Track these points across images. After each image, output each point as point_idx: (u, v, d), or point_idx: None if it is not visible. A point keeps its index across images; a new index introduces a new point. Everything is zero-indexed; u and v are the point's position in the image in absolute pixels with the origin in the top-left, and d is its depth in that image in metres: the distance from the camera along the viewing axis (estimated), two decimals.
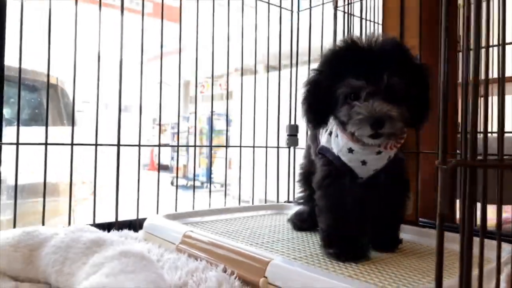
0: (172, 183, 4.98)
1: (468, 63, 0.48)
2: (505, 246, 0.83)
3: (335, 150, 0.91)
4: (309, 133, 1.13)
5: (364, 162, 0.88)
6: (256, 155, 1.49)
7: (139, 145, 1.15)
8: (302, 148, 1.54)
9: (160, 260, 0.88)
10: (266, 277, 0.73)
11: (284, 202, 1.50)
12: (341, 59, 0.83)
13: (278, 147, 1.51)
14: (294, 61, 1.56)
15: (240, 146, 1.41)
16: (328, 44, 1.57)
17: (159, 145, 1.22)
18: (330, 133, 0.93)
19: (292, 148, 1.53)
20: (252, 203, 1.46)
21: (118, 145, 1.11)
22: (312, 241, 1.01)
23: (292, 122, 1.54)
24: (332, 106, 0.85)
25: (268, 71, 1.52)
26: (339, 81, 0.81)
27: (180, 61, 1.28)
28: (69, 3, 1.18)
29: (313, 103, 0.88)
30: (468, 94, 0.46)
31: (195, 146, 1.33)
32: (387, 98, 0.78)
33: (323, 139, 0.97)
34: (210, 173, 1.54)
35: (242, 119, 1.42)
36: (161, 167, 1.29)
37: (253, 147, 1.43)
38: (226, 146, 1.40)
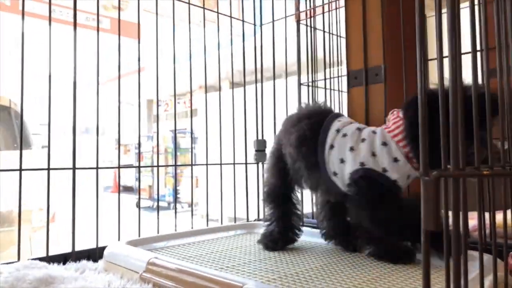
0: (137, 205, 4.80)
1: (444, 72, 0.46)
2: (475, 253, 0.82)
3: (394, 176, 0.87)
4: (290, 151, 1.02)
5: (408, 176, 0.89)
6: (224, 172, 1.43)
7: (97, 168, 1.07)
8: None
9: None
10: None
11: (254, 220, 1.45)
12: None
13: (246, 163, 1.46)
14: (259, 76, 1.53)
15: (207, 164, 1.35)
16: (291, 58, 1.56)
17: (119, 167, 1.15)
18: (395, 160, 0.87)
19: (260, 164, 1.49)
20: (221, 222, 1.40)
21: (74, 168, 1.03)
22: (284, 260, 0.96)
23: (260, 137, 1.50)
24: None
25: (233, 87, 1.48)
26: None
27: (140, 80, 1.22)
28: (17, 18, 1.10)
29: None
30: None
31: (158, 166, 1.26)
32: None
33: (363, 157, 0.89)
34: (176, 194, 1.46)
35: (207, 136, 1.37)
36: (125, 189, 1.22)
37: (220, 164, 1.38)
38: (192, 165, 1.34)
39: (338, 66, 1.50)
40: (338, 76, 1.44)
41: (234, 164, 1.42)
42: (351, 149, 0.91)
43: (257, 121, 1.48)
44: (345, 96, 1.50)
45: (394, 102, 1.17)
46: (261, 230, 1.32)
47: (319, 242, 1.13)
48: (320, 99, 1.54)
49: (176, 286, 0.79)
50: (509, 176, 0.39)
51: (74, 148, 1.06)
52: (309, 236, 1.17)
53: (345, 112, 1.42)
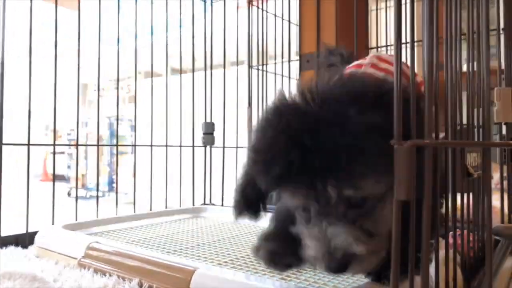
0: (69, 194, 4.54)
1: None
2: None
3: None
4: None
5: None
6: (170, 156, 1.37)
7: (28, 144, 0.96)
8: (218, 147, 1.46)
9: (58, 279, 0.73)
10: None
11: (201, 205, 1.40)
12: (273, 147, 0.48)
13: (193, 146, 1.40)
14: (208, 56, 1.48)
15: (151, 146, 1.28)
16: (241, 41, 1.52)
17: (54, 145, 1.04)
18: None
19: (208, 147, 1.44)
20: (166, 207, 1.34)
21: (0, 144, 0.91)
22: (235, 243, 0.93)
23: (208, 120, 1.45)
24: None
25: (181, 71, 1.41)
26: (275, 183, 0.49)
27: (79, 61, 1.11)
28: None
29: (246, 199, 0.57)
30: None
31: (98, 145, 1.16)
32: (351, 211, 0.48)
33: None
34: (117, 178, 1.36)
35: (152, 116, 1.30)
36: (56, 177, 1.10)
37: (166, 146, 1.31)
38: (135, 145, 1.26)
39: (288, 51, 1.49)
40: (289, 61, 1.42)
41: (180, 146, 1.36)
42: None
43: (206, 103, 1.42)
44: (293, 83, 1.49)
45: None
46: (208, 214, 1.28)
47: None
48: (270, 84, 1.52)
49: (120, 272, 0.73)
50: (481, 145, 0.38)
51: (0, 123, 0.94)
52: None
53: None
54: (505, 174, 0.96)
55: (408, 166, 0.41)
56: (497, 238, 0.96)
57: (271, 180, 0.48)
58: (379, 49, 1.24)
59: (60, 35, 1.10)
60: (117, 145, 1.19)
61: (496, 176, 1.45)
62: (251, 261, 0.79)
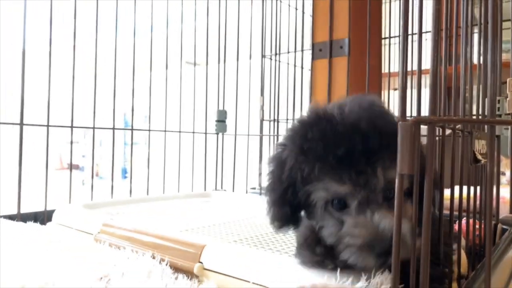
0: (83, 183, 4.63)
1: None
2: None
3: None
4: None
5: None
6: (182, 143, 1.40)
7: (47, 125, 1.00)
8: (230, 134, 1.48)
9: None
10: (201, 263, 0.66)
11: (212, 190, 1.43)
12: (306, 154, 0.52)
13: (206, 133, 1.43)
14: (222, 46, 1.50)
15: (165, 131, 1.31)
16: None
17: (72, 127, 1.08)
18: None
19: (220, 135, 1.46)
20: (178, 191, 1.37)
21: (21, 124, 0.95)
22: (244, 225, 0.96)
23: (221, 108, 1.47)
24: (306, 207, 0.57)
25: (195, 62, 1.44)
26: (312, 179, 0.52)
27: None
28: None
29: (279, 199, 0.57)
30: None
31: (113, 128, 1.20)
32: (387, 197, 0.51)
33: None
34: (131, 156, 1.36)
35: (167, 102, 1.33)
36: (72, 167, 1.14)
37: (179, 132, 1.34)
38: (149, 130, 1.29)
39: (302, 41, 1.50)
40: (302, 50, 1.44)
41: (193, 133, 1.39)
42: None
43: (219, 91, 1.45)
44: (306, 73, 1.51)
45: (356, 76, 1.19)
46: (219, 198, 1.31)
47: None
48: (282, 74, 1.54)
49: (133, 246, 0.76)
50: (488, 123, 0.40)
51: (22, 103, 0.98)
52: None
53: (307, 87, 1.43)
54: None
55: (411, 141, 0.43)
56: (504, 227, 0.97)
57: (326, 165, 0.50)
58: (392, 39, 1.25)
59: (78, 26, 1.13)
60: (132, 129, 1.23)
61: (508, 173, 1.45)
62: (264, 239, 0.81)
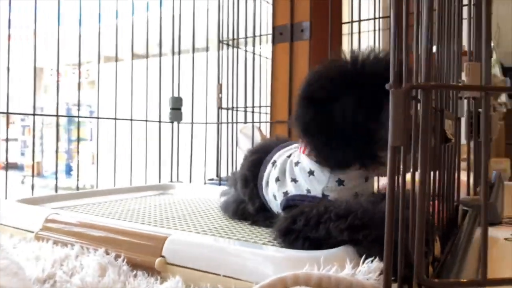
0: (23, 182, 4.32)
1: None
2: None
3: (317, 190, 0.70)
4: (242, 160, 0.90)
5: (356, 195, 0.70)
6: (135, 132, 1.30)
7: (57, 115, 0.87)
8: (186, 123, 1.40)
9: (11, 253, 0.66)
10: (163, 257, 0.59)
11: (168, 182, 1.34)
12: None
13: (160, 122, 1.34)
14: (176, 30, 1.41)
15: (115, 119, 1.20)
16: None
17: (8, 113, 0.95)
18: (311, 172, 0.71)
19: (175, 123, 1.38)
20: (130, 184, 1.27)
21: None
22: (206, 216, 0.89)
23: (176, 94, 1.39)
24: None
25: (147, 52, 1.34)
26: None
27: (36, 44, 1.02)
28: None
29: (326, 141, 0.67)
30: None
31: (57, 115, 1.08)
32: None
33: (287, 185, 0.74)
34: (78, 148, 1.24)
35: (116, 91, 1.22)
36: (9, 166, 1.02)
37: (131, 120, 1.24)
38: (98, 118, 1.18)
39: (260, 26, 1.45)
40: (260, 35, 1.39)
41: (146, 121, 1.29)
42: (277, 179, 0.77)
43: (173, 77, 1.36)
44: (264, 61, 1.46)
45: (318, 60, 1.15)
46: (176, 191, 1.23)
47: None
48: (241, 60, 1.48)
49: (83, 242, 0.67)
50: (484, 90, 0.36)
51: None
52: None
53: (267, 74, 1.38)
54: None
55: (404, 110, 0.39)
56: (465, 208, 0.98)
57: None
58: (353, 23, 1.23)
59: (14, 15, 1.01)
60: (78, 116, 1.12)
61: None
62: (230, 230, 0.75)
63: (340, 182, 0.70)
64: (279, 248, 0.62)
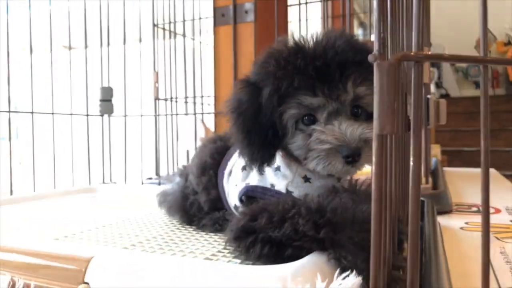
0: None
1: None
2: None
3: (281, 186, 0.63)
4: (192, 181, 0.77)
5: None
6: (59, 127, 1.13)
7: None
8: (118, 116, 1.25)
9: None
10: (87, 283, 0.47)
11: (99, 184, 1.19)
12: (285, 68, 0.56)
13: (87, 115, 1.18)
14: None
15: (32, 112, 1.03)
16: None
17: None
18: (277, 168, 0.64)
19: (106, 116, 1.22)
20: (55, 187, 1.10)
21: None
22: (148, 222, 0.77)
23: (105, 85, 1.23)
24: (277, 136, 0.59)
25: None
26: (284, 99, 0.56)
27: None
28: None
29: (252, 137, 0.59)
30: None
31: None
32: (354, 115, 0.57)
33: (251, 176, 0.66)
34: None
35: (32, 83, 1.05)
36: None
37: (52, 114, 1.07)
38: (9, 112, 0.99)
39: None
40: (200, 18, 1.27)
41: (71, 115, 1.13)
42: (244, 168, 0.69)
43: (102, 65, 1.20)
44: (206, 47, 1.35)
45: (264, 43, 1.06)
46: (108, 194, 1.09)
47: None
48: (179, 47, 1.35)
49: None
50: (482, 62, 0.29)
51: None
52: None
53: (209, 59, 1.27)
54: None
55: (394, 87, 0.30)
56: (421, 198, 0.94)
57: (302, 80, 0.54)
58: (300, 6, 1.15)
59: None
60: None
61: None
62: (171, 240, 0.64)
63: (307, 179, 0.62)
64: (229, 264, 0.52)
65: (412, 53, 0.30)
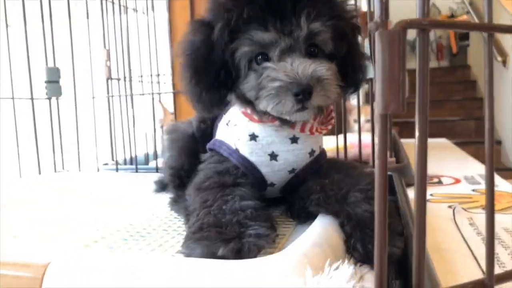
0: None
1: None
2: None
3: (231, 142, 0.62)
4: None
5: (273, 156, 0.60)
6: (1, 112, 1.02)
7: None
8: (67, 99, 1.15)
9: None
10: None
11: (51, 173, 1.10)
12: (236, 3, 0.52)
13: (32, 99, 1.07)
14: None
15: None
16: None
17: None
18: (227, 123, 0.64)
19: (53, 99, 1.12)
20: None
21: None
22: (107, 213, 0.71)
23: (51, 65, 1.12)
24: (229, 77, 0.55)
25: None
26: (236, 35, 0.53)
27: None
28: None
29: (202, 76, 0.55)
30: None
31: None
32: (309, 54, 0.54)
33: (218, 130, 0.67)
34: None
35: None
36: None
37: None
38: None
39: None
40: None
41: (13, 99, 1.02)
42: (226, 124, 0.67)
43: (45, 41, 1.09)
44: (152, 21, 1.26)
45: None
46: (61, 184, 1.00)
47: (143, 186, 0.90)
48: (130, 22, 1.25)
49: None
50: (487, 30, 0.26)
51: None
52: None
53: (164, 35, 1.19)
54: None
55: (398, 60, 0.26)
56: (388, 173, 0.94)
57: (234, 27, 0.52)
58: None
59: None
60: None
61: (363, 118, 1.49)
62: (130, 235, 0.59)
63: (253, 137, 0.60)
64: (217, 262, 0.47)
65: (418, 20, 0.26)
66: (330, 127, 0.63)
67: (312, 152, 0.62)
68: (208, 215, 0.50)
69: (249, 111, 0.60)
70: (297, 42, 0.52)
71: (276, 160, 0.60)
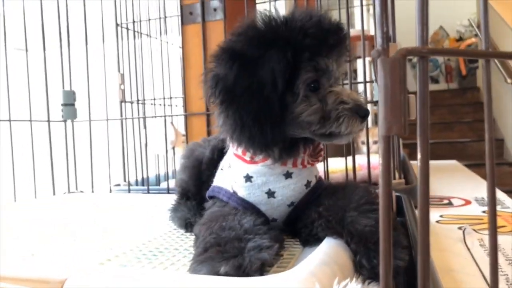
0: None
1: None
2: None
3: (228, 186, 0.63)
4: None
5: (270, 193, 0.61)
6: (18, 135, 1.05)
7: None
8: (82, 121, 1.19)
9: None
10: None
11: (64, 194, 1.12)
12: (292, 31, 0.55)
13: (48, 121, 1.11)
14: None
15: None
16: None
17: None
18: (230, 165, 0.65)
19: (69, 122, 1.15)
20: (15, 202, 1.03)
21: None
22: (120, 233, 0.72)
23: (67, 88, 1.16)
24: (285, 107, 0.55)
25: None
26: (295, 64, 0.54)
27: None
28: None
29: (261, 111, 0.53)
30: None
31: None
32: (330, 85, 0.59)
33: (216, 176, 0.68)
34: None
35: None
36: None
37: (9, 121, 0.99)
38: None
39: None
40: (165, 17, 1.22)
41: (31, 121, 1.05)
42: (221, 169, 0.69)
43: (63, 65, 1.13)
44: (173, 47, 1.30)
45: None
46: (75, 204, 1.02)
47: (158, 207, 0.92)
48: (144, 47, 1.30)
49: None
50: (485, 56, 0.27)
51: None
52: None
53: (176, 59, 1.22)
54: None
55: (399, 85, 0.28)
56: (397, 194, 0.95)
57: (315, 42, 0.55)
58: (270, 3, 1.13)
59: None
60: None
61: (371, 139, 1.50)
62: (143, 254, 0.60)
63: (248, 178, 0.61)
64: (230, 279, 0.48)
65: (418, 48, 0.28)
66: (320, 158, 0.65)
67: (308, 184, 0.63)
68: (211, 234, 0.52)
69: (240, 152, 0.61)
70: (338, 78, 0.59)
71: (274, 196, 0.61)
